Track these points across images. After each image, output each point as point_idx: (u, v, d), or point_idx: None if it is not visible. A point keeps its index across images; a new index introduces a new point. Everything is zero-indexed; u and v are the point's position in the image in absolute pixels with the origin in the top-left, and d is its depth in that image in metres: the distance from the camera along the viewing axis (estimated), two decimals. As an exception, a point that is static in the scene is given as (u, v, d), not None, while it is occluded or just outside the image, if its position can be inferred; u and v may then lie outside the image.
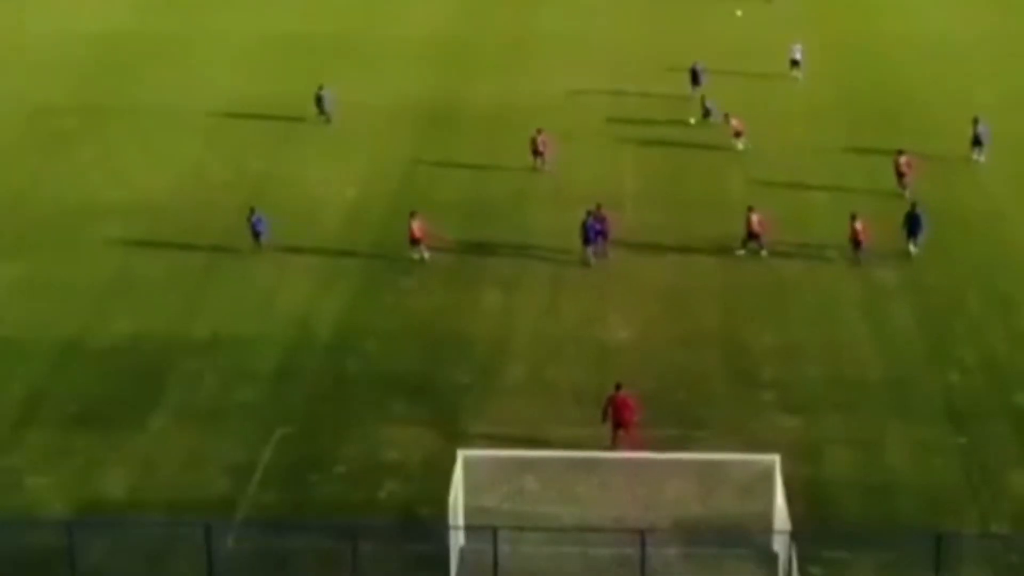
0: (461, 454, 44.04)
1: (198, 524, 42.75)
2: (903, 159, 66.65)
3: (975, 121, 70.47)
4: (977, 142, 70.13)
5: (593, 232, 60.21)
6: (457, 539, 43.10)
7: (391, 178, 68.98)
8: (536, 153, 69.01)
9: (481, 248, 62.03)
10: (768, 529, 43.43)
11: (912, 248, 60.98)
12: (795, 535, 41.94)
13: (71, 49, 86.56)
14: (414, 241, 60.58)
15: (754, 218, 60.83)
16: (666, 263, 60.67)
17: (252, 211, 62.22)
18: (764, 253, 60.61)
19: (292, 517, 45.19)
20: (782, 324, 56.06)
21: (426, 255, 60.58)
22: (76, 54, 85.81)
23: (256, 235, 61.57)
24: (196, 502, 45.91)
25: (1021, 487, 46.49)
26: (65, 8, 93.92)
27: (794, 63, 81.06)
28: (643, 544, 41.46)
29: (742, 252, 60.73)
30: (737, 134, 71.63)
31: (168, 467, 47.89)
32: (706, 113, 74.25)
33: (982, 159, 70.08)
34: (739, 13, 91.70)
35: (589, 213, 60.71)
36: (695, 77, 77.87)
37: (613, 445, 47.32)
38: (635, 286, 58.93)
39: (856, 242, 60.34)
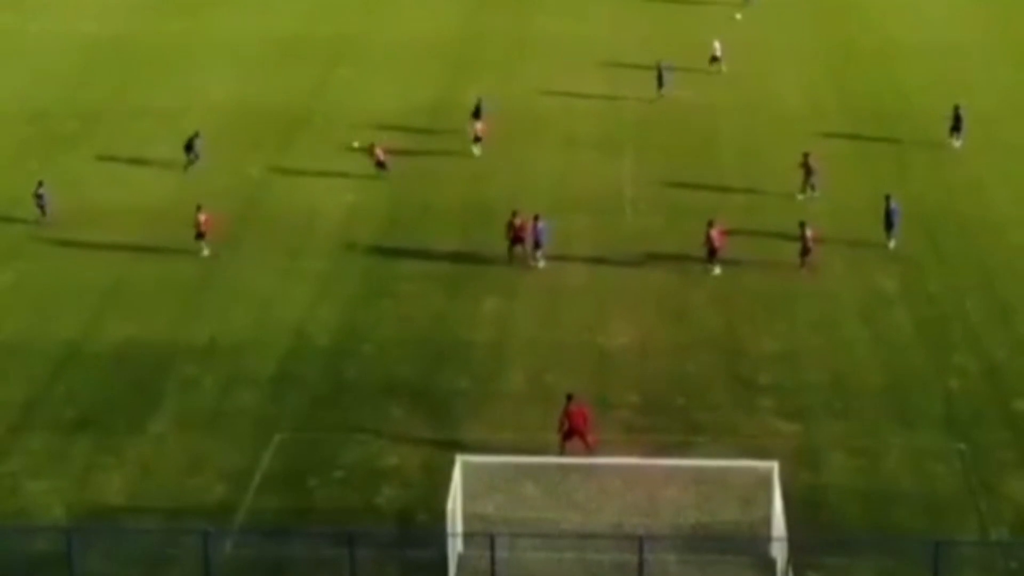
0: (459, 460, 44.02)
1: (196, 532, 42.81)
2: (811, 158, 66.49)
3: (956, 107, 71.66)
4: (956, 127, 71.50)
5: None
6: (455, 545, 43.07)
7: (390, 183, 68.89)
8: (378, 164, 69.01)
9: (480, 253, 61.96)
10: (766, 535, 43.41)
11: (891, 243, 61.28)
12: (793, 542, 41.95)
13: (70, 52, 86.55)
14: (200, 235, 61.25)
15: (713, 232, 59.68)
16: (665, 268, 60.58)
17: (39, 185, 64.78)
18: (717, 271, 59.85)
19: (290, 522, 45.17)
20: (781, 330, 56.01)
21: (206, 251, 61.29)
22: (75, 57, 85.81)
23: (40, 208, 64.55)
24: (194, 507, 45.91)
25: (1020, 493, 46.47)
26: (64, 11, 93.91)
27: (714, 59, 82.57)
28: (641, 550, 41.47)
29: (717, 271, 59.79)
30: (477, 139, 71.20)
31: (167, 472, 47.89)
32: (476, 113, 73.62)
33: (957, 144, 71.40)
34: (738, 16, 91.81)
35: (536, 218, 60.57)
36: (660, 77, 78.22)
37: (562, 453, 47.32)
38: (634, 292, 58.87)
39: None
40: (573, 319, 56.87)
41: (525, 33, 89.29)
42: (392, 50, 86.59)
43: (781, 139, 73.54)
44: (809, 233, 59.58)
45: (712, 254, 59.74)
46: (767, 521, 43.61)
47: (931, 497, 46.35)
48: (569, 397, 47.71)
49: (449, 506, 42.64)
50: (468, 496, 44.30)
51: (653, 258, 61.50)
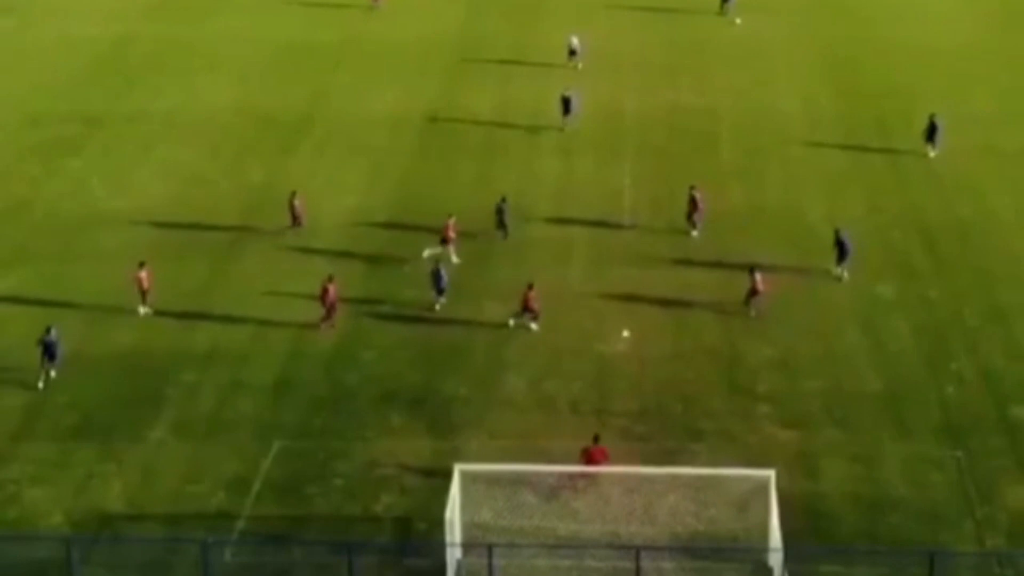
0: (458, 468, 44.21)
1: (195, 541, 43.03)
2: (698, 193, 63.85)
3: (931, 116, 71.41)
4: (931, 137, 71.18)
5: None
6: (454, 554, 43.26)
7: (390, 188, 69.03)
8: (294, 218, 64.38)
9: (480, 260, 62.10)
10: (764, 543, 43.57)
11: (842, 274, 59.91)
12: (789, 551, 42.12)
13: (71, 56, 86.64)
14: (143, 293, 57.82)
15: (531, 294, 55.94)
16: (664, 276, 60.69)
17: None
18: (534, 326, 56.33)
19: (289, 530, 45.37)
20: (779, 337, 56.13)
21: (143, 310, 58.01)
22: (76, 61, 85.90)
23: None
24: (194, 514, 46.11)
25: (1017, 501, 46.64)
26: (65, 15, 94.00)
27: (572, 53, 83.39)
28: (638, 558, 41.67)
29: (513, 323, 56.49)
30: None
31: (167, 479, 48.09)
32: None
33: (932, 153, 71.24)
34: (738, 21, 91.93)
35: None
36: (566, 105, 75.32)
37: None
38: (633, 299, 58.97)
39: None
40: (572, 326, 56.98)
41: (525, 39, 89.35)
42: (392, 55, 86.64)
43: (780, 146, 73.63)
44: (758, 277, 56.94)
45: (525, 311, 56.13)
46: (764, 529, 43.78)
47: (928, 505, 46.53)
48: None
49: (447, 514, 42.82)
50: (466, 504, 44.47)
51: (651, 265, 61.59)
